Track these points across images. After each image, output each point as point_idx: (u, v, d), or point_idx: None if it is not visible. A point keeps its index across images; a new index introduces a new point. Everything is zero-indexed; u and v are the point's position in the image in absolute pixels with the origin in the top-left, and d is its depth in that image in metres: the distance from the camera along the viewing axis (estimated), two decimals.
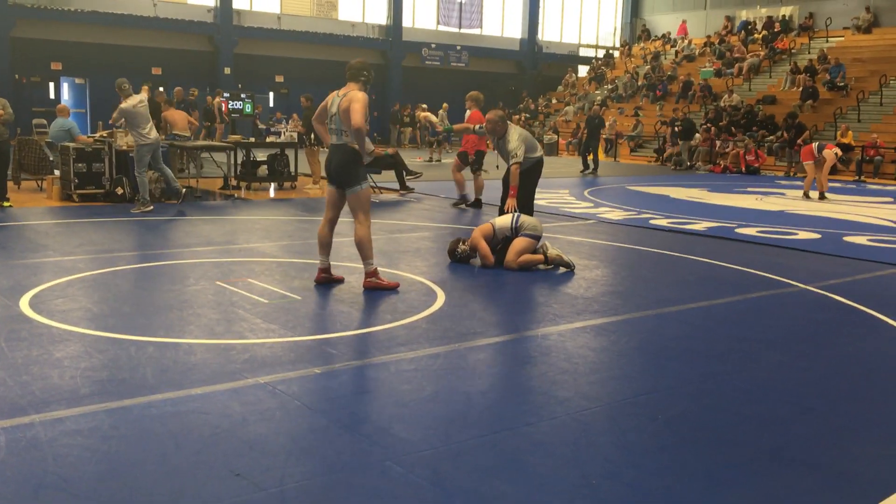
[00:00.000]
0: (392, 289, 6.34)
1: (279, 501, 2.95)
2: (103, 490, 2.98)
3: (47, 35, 24.53)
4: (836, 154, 14.49)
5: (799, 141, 20.13)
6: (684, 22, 34.06)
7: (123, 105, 10.19)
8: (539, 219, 8.07)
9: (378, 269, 6.41)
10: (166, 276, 6.75)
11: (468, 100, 11.99)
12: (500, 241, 7.52)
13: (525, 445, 3.52)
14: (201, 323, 5.29)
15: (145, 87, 16.88)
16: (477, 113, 11.90)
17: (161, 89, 19.31)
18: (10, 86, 23.20)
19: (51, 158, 12.43)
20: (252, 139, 14.11)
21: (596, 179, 18.10)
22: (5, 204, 10.46)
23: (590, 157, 20.35)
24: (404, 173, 13.76)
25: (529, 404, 4.04)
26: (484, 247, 7.42)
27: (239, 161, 13.78)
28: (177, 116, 14.15)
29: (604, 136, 23.47)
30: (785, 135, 21.56)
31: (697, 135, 23.07)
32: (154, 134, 10.42)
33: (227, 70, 27.05)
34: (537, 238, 7.46)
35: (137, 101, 10.30)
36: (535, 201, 8.83)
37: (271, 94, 28.32)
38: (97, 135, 12.62)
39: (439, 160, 22.40)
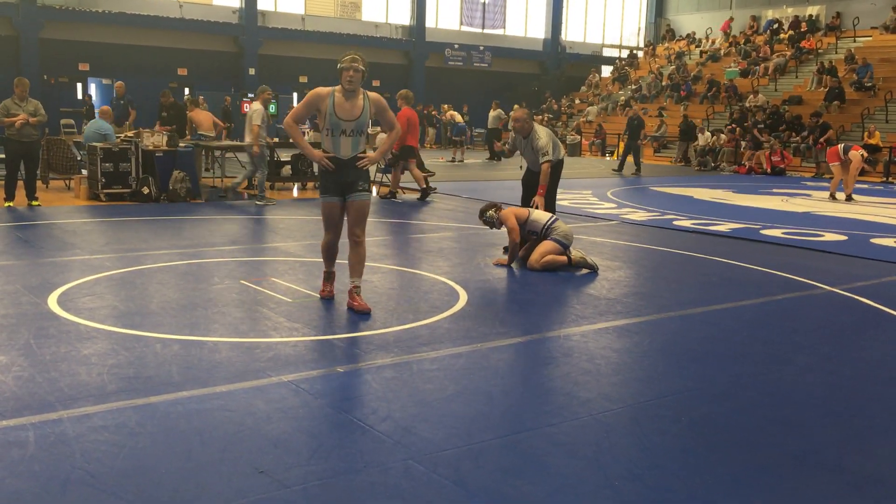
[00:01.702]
0: (363, 312, 5.57)
1: (302, 499, 2.98)
2: (129, 485, 3.02)
3: (75, 36, 24.86)
4: (861, 155, 14.33)
5: (822, 140, 19.93)
6: (731, 19, 33.55)
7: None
8: (563, 220, 8.05)
9: (356, 287, 5.67)
10: (191, 275, 6.82)
11: (399, 98, 12.58)
12: (527, 232, 7.50)
13: (547, 446, 3.52)
14: (226, 321, 5.34)
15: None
16: (407, 110, 12.34)
17: (186, 91, 19.52)
18: (38, 86, 23.51)
19: (79, 158, 12.59)
20: (276, 139, 14.22)
21: (625, 180, 18.01)
22: (34, 203, 10.60)
23: (629, 160, 20.09)
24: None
25: (551, 405, 4.04)
26: (513, 222, 7.40)
27: None
28: (202, 117, 14.28)
29: (646, 137, 22.91)
30: (811, 136, 21.34)
31: (711, 135, 23.00)
32: (247, 138, 11.45)
33: (252, 71, 27.26)
34: (565, 246, 7.43)
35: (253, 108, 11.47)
36: (558, 202, 8.81)
37: (295, 95, 28.50)
38: (123, 135, 12.76)
39: (462, 160, 22.43)
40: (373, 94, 5.65)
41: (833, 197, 14.45)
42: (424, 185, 12.64)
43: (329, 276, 6.03)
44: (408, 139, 12.41)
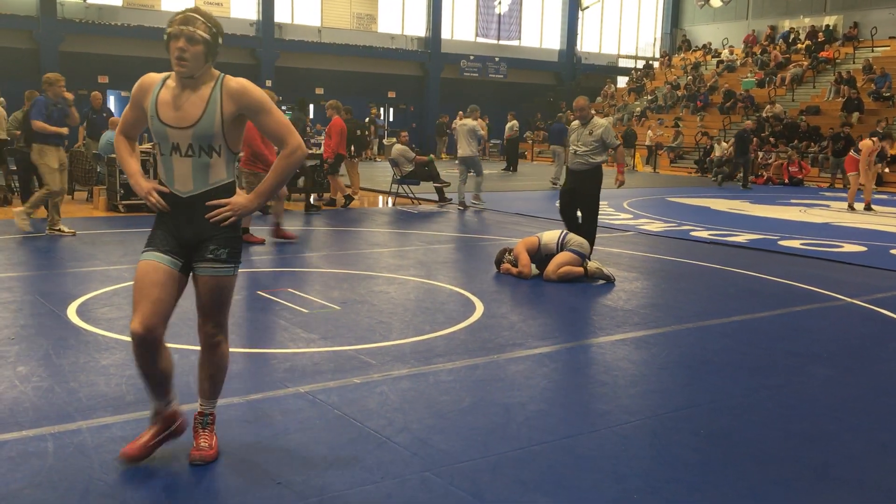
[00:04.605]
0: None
1: None
2: (148, 496, 3.02)
3: (94, 49, 25.12)
4: (871, 142, 14.17)
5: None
6: (753, 31, 33.41)
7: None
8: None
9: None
10: None
11: (329, 108, 12.96)
12: (543, 257, 7.50)
13: (565, 458, 3.50)
14: (243, 332, 5.35)
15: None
16: (338, 119, 12.83)
17: None
18: None
19: (98, 170, 12.69)
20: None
21: (640, 190, 17.95)
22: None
23: (738, 174, 19.73)
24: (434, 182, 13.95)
25: (569, 417, 4.02)
26: (525, 258, 7.42)
27: None
28: None
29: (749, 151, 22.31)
30: (829, 147, 21.19)
31: (728, 145, 22.84)
32: (465, 150, 13.05)
33: (269, 82, 27.39)
34: (582, 256, 7.42)
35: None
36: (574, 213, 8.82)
37: (311, 107, 28.61)
38: (142, 146, 12.83)
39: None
40: (234, 83, 3.15)
41: (851, 207, 14.35)
42: (346, 194, 13.17)
43: (154, 417, 3.35)
44: (340, 148, 12.83)
